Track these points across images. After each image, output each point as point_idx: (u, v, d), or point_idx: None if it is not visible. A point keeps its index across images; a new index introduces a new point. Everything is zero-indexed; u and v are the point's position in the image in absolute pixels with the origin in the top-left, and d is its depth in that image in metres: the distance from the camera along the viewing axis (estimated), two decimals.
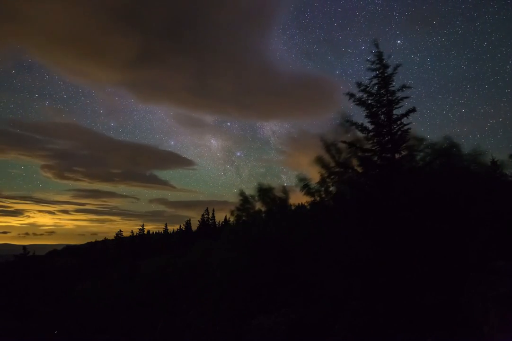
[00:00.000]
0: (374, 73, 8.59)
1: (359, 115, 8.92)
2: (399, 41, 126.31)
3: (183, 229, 53.27)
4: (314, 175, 9.82)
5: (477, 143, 9.70)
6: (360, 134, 8.87)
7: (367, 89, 8.64)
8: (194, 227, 51.24)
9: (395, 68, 8.47)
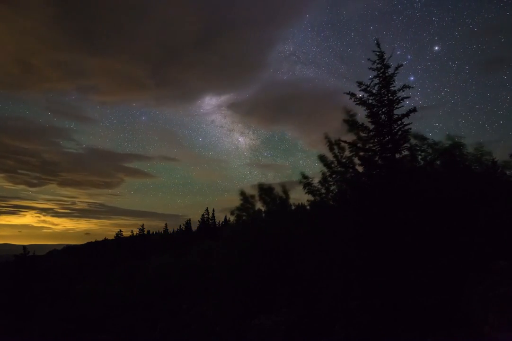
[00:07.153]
0: (375, 73, 8.60)
1: (361, 115, 8.94)
2: (436, 48, 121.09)
3: (183, 229, 53.32)
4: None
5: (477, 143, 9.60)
6: (361, 133, 8.88)
7: (368, 89, 8.65)
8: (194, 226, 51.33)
9: (396, 68, 8.50)
